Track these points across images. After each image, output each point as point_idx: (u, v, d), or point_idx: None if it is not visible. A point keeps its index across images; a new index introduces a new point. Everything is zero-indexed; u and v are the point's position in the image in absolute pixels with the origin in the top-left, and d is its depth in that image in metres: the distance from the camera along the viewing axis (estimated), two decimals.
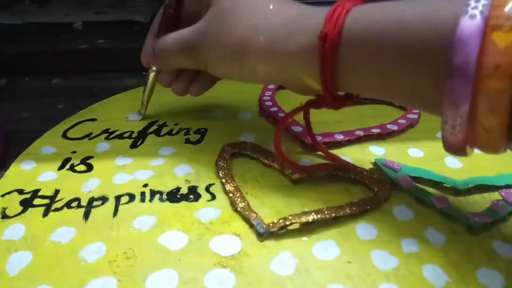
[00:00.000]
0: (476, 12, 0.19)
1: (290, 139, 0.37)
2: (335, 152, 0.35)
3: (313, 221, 0.27)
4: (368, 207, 0.29)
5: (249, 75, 0.30)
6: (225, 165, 0.33)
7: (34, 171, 0.33)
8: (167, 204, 0.30)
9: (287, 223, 0.27)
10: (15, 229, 0.27)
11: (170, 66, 0.35)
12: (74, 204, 0.29)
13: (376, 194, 0.30)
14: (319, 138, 0.35)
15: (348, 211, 0.28)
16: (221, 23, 0.28)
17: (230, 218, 0.29)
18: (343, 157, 0.34)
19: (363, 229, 0.28)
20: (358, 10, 0.25)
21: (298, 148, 0.36)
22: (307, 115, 0.32)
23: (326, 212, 0.28)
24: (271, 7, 0.28)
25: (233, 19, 0.28)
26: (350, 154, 0.35)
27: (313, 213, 0.27)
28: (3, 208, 0.29)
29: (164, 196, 0.30)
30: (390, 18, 0.23)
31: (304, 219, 0.27)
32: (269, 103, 0.41)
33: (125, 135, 0.37)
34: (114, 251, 0.26)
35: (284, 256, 0.26)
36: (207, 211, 0.29)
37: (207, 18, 0.29)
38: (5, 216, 0.28)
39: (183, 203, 0.30)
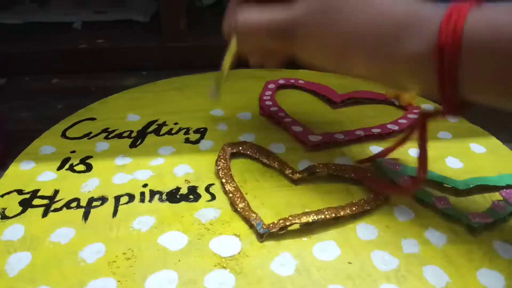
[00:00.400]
0: None
1: (290, 139, 0.37)
2: (335, 151, 0.35)
3: (313, 222, 0.27)
4: (368, 207, 0.29)
5: (345, 70, 0.28)
6: (225, 165, 0.33)
7: (34, 171, 0.33)
8: (167, 204, 0.30)
9: (287, 223, 0.27)
10: (14, 230, 0.27)
11: (253, 46, 0.32)
12: (74, 204, 0.29)
13: (376, 194, 0.30)
14: (319, 138, 0.35)
15: (348, 211, 0.28)
16: (326, 18, 0.27)
17: (230, 218, 0.29)
18: (342, 157, 0.34)
19: (363, 229, 0.28)
20: (478, 13, 0.22)
21: (298, 148, 0.36)
22: (424, 133, 0.28)
23: (326, 212, 0.27)
24: (382, 3, 0.25)
25: (341, 14, 0.26)
26: (350, 154, 0.35)
27: (313, 214, 0.27)
28: (3, 208, 0.29)
29: (164, 196, 0.30)
30: None
31: (304, 219, 0.27)
32: (269, 103, 0.41)
33: (125, 134, 0.37)
34: (114, 252, 0.26)
35: (284, 257, 0.26)
36: (207, 211, 0.29)
37: (309, 9, 0.27)
38: (5, 217, 0.28)
39: (183, 203, 0.30)
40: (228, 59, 0.35)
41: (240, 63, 0.51)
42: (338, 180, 0.32)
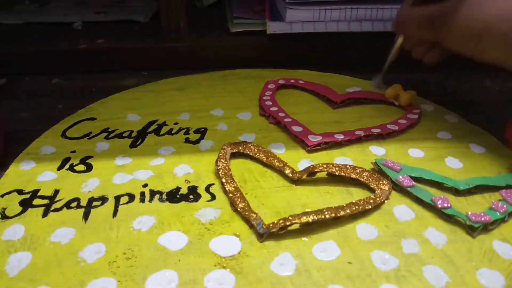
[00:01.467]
0: None
1: (290, 139, 0.37)
2: (335, 151, 0.35)
3: (313, 222, 0.27)
4: (368, 207, 0.29)
5: (482, 54, 0.32)
6: (225, 165, 0.33)
7: (34, 171, 0.33)
8: (167, 204, 0.30)
9: (287, 223, 0.27)
10: (14, 230, 0.27)
11: (409, 33, 0.39)
12: (74, 204, 0.29)
13: (376, 194, 0.30)
14: (319, 138, 0.35)
15: (348, 211, 0.28)
16: (464, 6, 0.31)
17: (230, 218, 0.29)
18: (342, 157, 0.34)
19: (363, 229, 0.28)
20: None
21: (298, 148, 0.36)
22: None
23: (326, 212, 0.27)
24: None
25: (478, 4, 0.30)
26: (350, 154, 0.35)
27: (313, 214, 0.27)
28: (3, 208, 0.29)
29: (164, 196, 0.30)
30: None
31: (304, 219, 0.27)
32: (269, 103, 0.41)
33: (125, 134, 0.37)
34: (114, 252, 0.26)
35: (284, 257, 0.26)
36: (207, 211, 0.29)
37: (457, 1, 0.32)
38: (5, 217, 0.28)
39: (183, 203, 0.30)
40: (394, 52, 0.41)
41: (240, 63, 0.51)
42: (338, 180, 0.32)
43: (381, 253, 0.26)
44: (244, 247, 0.26)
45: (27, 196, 0.30)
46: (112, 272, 0.24)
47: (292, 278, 0.24)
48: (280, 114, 0.39)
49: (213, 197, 0.30)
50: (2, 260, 0.25)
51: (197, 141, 0.37)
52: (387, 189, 0.30)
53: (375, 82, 0.44)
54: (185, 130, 0.38)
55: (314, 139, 0.35)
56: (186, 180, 0.32)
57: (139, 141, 0.36)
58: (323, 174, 0.32)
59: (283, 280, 0.24)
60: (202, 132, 0.38)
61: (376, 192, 0.30)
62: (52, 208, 0.29)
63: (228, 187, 0.30)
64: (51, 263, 0.25)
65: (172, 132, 0.38)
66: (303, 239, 0.27)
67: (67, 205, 0.29)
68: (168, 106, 0.42)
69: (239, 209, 0.29)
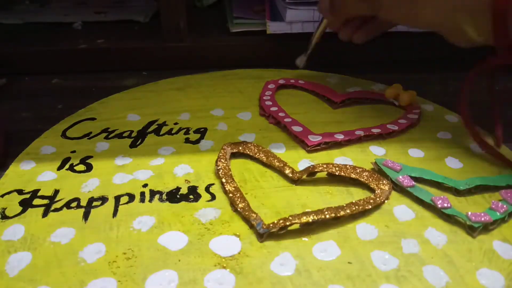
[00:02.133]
0: None
1: (290, 139, 0.37)
2: (335, 151, 0.35)
3: (313, 222, 0.27)
4: (368, 207, 0.29)
5: (416, 19, 0.33)
6: (225, 165, 0.33)
7: (34, 171, 0.33)
8: (167, 204, 0.30)
9: (287, 223, 0.27)
10: (14, 230, 0.27)
11: (346, 13, 0.39)
12: (74, 204, 0.29)
13: (376, 194, 0.30)
14: (319, 138, 0.35)
15: (348, 211, 0.28)
16: None
17: (230, 218, 0.29)
18: (342, 157, 0.34)
19: (363, 229, 0.28)
20: None
21: (298, 148, 0.36)
22: (491, 81, 0.34)
23: (326, 212, 0.27)
24: None
25: None
26: (350, 154, 0.35)
27: (313, 214, 0.27)
28: (3, 208, 0.29)
29: (164, 196, 0.30)
30: None
31: (304, 219, 0.27)
32: (269, 103, 0.41)
33: (125, 134, 0.37)
34: (114, 252, 0.26)
35: (284, 257, 0.26)
36: (207, 211, 0.29)
37: None
38: (5, 217, 0.28)
39: (183, 203, 0.30)
40: (318, 32, 0.42)
41: (240, 63, 0.51)
42: (338, 180, 0.32)
43: (381, 253, 0.26)
44: (244, 247, 0.26)
45: (27, 196, 0.30)
46: (112, 272, 0.24)
47: (292, 278, 0.24)
48: (280, 114, 0.39)
49: (213, 197, 0.30)
50: (2, 260, 0.25)
51: (197, 141, 0.37)
52: (387, 189, 0.30)
53: (299, 62, 0.45)
54: (185, 130, 0.38)
55: (314, 139, 0.35)
56: (186, 180, 0.32)
57: (139, 141, 0.36)
58: (323, 174, 0.32)
59: (283, 280, 0.24)
60: (202, 132, 0.38)
61: (376, 192, 0.30)
62: (52, 208, 0.29)
63: (228, 187, 0.30)
64: (51, 263, 0.25)
65: (172, 132, 0.38)
66: (303, 239, 0.27)
67: (67, 205, 0.29)
68: (168, 106, 0.42)
69: (239, 209, 0.29)
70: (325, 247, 0.26)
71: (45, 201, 0.30)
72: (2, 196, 0.30)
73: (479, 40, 0.30)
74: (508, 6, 0.26)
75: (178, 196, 0.30)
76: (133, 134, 0.37)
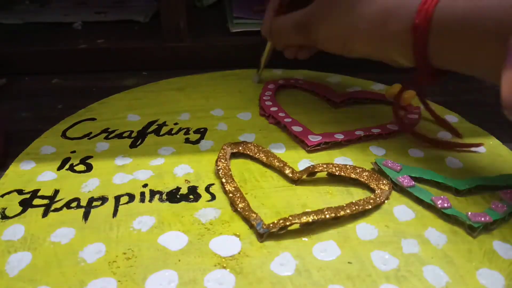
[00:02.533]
0: None
1: (290, 139, 0.37)
2: (335, 151, 0.35)
3: (313, 222, 0.27)
4: (368, 207, 0.29)
5: (349, 52, 0.35)
6: (225, 165, 0.33)
7: (34, 171, 0.33)
8: (167, 204, 0.30)
9: (287, 223, 0.27)
10: (14, 230, 0.27)
11: (284, 42, 0.41)
12: (74, 204, 0.29)
13: (376, 194, 0.30)
14: (319, 138, 0.35)
15: (348, 211, 0.28)
16: (330, 9, 0.34)
17: (230, 218, 0.29)
18: (342, 157, 0.34)
19: (363, 229, 0.28)
20: (447, 1, 0.28)
21: (298, 148, 0.36)
22: (423, 96, 0.38)
23: (326, 212, 0.27)
24: None
25: (341, 6, 0.33)
26: (350, 154, 0.35)
27: (313, 214, 0.27)
28: (3, 208, 0.29)
29: (164, 196, 0.30)
30: (471, 6, 0.27)
31: (304, 219, 0.27)
32: (269, 103, 0.41)
33: (125, 134, 0.37)
34: (114, 252, 0.26)
35: (284, 257, 0.26)
36: (207, 211, 0.29)
37: (319, 5, 0.35)
38: (5, 217, 0.28)
39: (183, 203, 0.30)
40: (266, 53, 0.44)
41: (240, 63, 0.51)
42: (338, 180, 0.32)
43: (381, 253, 0.26)
44: (244, 247, 0.26)
45: (27, 196, 0.30)
46: (112, 272, 0.24)
47: (292, 278, 0.24)
48: (280, 114, 0.39)
49: (213, 197, 0.30)
50: (2, 260, 0.25)
51: (197, 141, 0.37)
52: (387, 189, 0.30)
53: (254, 78, 0.46)
54: (185, 130, 0.38)
55: (314, 139, 0.35)
56: (186, 180, 0.32)
57: (139, 141, 0.36)
58: (323, 174, 0.32)
59: (283, 280, 0.24)
60: (202, 132, 0.38)
61: (376, 192, 0.30)
62: (52, 208, 0.29)
63: (228, 187, 0.30)
64: (51, 263, 0.25)
65: (172, 132, 0.38)
66: (303, 239, 0.27)
67: (67, 205, 0.29)
68: (168, 106, 0.42)
69: (239, 209, 0.29)
70: (325, 247, 0.26)
71: (45, 201, 0.30)
72: (2, 196, 0.30)
73: (410, 65, 0.33)
74: (424, 36, 0.29)
75: (178, 196, 0.30)
76: (133, 134, 0.37)
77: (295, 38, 0.39)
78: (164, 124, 0.39)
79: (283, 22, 0.39)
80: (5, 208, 0.29)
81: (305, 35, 0.37)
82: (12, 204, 0.29)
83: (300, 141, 0.36)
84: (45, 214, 0.29)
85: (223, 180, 0.31)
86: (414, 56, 0.31)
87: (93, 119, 0.40)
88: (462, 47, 0.28)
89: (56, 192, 0.31)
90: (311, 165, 0.32)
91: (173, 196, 0.30)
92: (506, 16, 0.25)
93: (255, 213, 0.28)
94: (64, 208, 0.29)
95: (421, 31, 0.29)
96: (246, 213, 0.28)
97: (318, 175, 0.32)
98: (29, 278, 0.24)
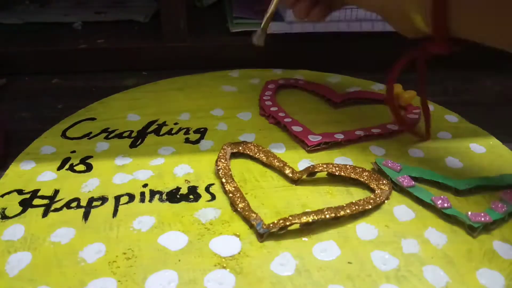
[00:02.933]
0: None
1: (290, 139, 0.37)
2: (335, 151, 0.35)
3: (313, 222, 0.27)
4: (368, 207, 0.29)
5: (366, 3, 0.32)
6: (225, 165, 0.33)
7: (34, 171, 0.33)
8: (167, 204, 0.30)
9: (287, 223, 0.27)
10: (14, 230, 0.27)
11: None
12: (74, 204, 0.29)
13: (376, 194, 0.30)
14: (319, 138, 0.35)
15: (348, 211, 0.28)
16: None
17: (230, 218, 0.29)
18: (342, 157, 0.34)
19: (363, 229, 0.28)
20: None
21: (298, 148, 0.36)
22: (422, 66, 0.33)
23: (326, 212, 0.27)
24: None
25: None
26: (350, 154, 0.35)
27: (313, 214, 0.27)
28: (3, 208, 0.29)
29: (164, 196, 0.30)
30: None
31: (304, 219, 0.27)
32: (269, 103, 0.41)
33: (125, 134, 0.37)
34: (114, 252, 0.26)
35: (284, 257, 0.26)
36: (207, 211, 0.29)
37: None
38: (5, 217, 0.28)
39: (183, 203, 0.30)
40: (274, 6, 0.38)
41: (240, 63, 0.51)
42: (338, 180, 0.32)
43: (381, 253, 0.26)
44: (244, 247, 0.26)
45: (27, 196, 0.30)
46: (112, 272, 0.24)
47: (292, 278, 0.24)
48: (280, 114, 0.39)
49: (213, 197, 0.30)
50: (2, 260, 0.25)
51: (197, 141, 0.37)
52: (387, 189, 0.30)
53: (256, 39, 0.39)
54: (185, 130, 0.38)
55: (314, 139, 0.35)
56: (186, 180, 0.32)
57: (139, 141, 0.36)
58: (323, 174, 0.32)
59: (283, 280, 0.24)
60: (202, 132, 0.38)
61: (376, 192, 0.30)
62: (52, 208, 0.29)
63: (228, 187, 0.30)
64: (51, 263, 0.25)
65: (172, 132, 0.38)
66: (303, 239, 0.27)
67: (67, 205, 0.29)
68: (168, 106, 0.42)
69: (239, 209, 0.29)
70: (325, 247, 0.26)
71: (45, 201, 0.30)
72: (2, 196, 0.30)
73: (426, 30, 0.28)
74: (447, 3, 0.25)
75: (178, 196, 0.30)
76: (133, 134, 0.37)
77: None
78: (164, 124, 0.39)
79: None
80: (5, 208, 0.29)
81: None
82: (12, 204, 0.29)
83: (300, 141, 0.36)
84: (45, 214, 0.29)
85: (223, 180, 0.31)
86: (433, 17, 0.26)
87: (93, 119, 0.40)
88: (496, 7, 0.23)
89: (56, 192, 0.31)
90: (311, 165, 0.32)
91: (173, 196, 0.30)
92: None
93: (255, 213, 0.28)
94: (64, 208, 0.29)
95: None
96: (246, 213, 0.28)
97: (318, 175, 0.32)
98: (29, 278, 0.24)
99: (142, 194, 0.30)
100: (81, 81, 0.48)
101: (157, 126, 0.39)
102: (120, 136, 0.37)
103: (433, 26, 0.27)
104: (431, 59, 0.31)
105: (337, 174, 0.31)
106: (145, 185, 0.31)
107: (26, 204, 0.29)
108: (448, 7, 0.25)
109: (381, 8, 0.31)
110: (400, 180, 0.31)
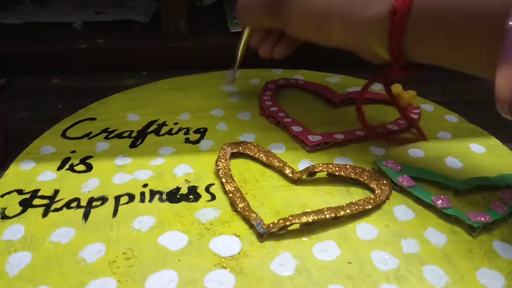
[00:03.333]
0: None
1: (290, 139, 0.37)
2: (335, 151, 0.35)
3: (313, 222, 0.27)
4: (368, 207, 0.29)
5: (325, 38, 0.32)
6: (225, 165, 0.33)
7: (34, 171, 0.33)
8: (167, 204, 0.30)
9: (287, 223, 0.27)
10: (14, 230, 0.27)
11: (251, 23, 0.37)
12: (74, 204, 0.29)
13: (376, 194, 0.30)
14: (319, 138, 0.35)
15: (348, 211, 0.28)
16: None
17: (230, 218, 0.29)
18: (342, 157, 0.34)
19: (363, 229, 0.28)
20: None
21: (298, 148, 0.36)
22: (388, 88, 0.36)
23: (326, 212, 0.27)
24: None
25: None
26: (350, 154, 0.35)
27: (313, 214, 0.27)
28: (3, 208, 0.29)
29: (164, 196, 0.30)
30: None
31: (304, 219, 0.27)
32: (269, 103, 0.41)
33: (125, 134, 0.37)
34: (114, 252, 0.26)
35: (284, 257, 0.26)
36: (207, 211, 0.29)
37: None
38: (5, 217, 0.28)
39: (183, 203, 0.30)
40: (241, 47, 0.40)
41: (243, 63, 0.51)
42: (338, 180, 0.32)
43: (381, 253, 0.26)
44: (244, 247, 0.26)
45: (27, 196, 0.30)
46: (112, 272, 0.24)
47: (292, 278, 0.24)
48: (280, 114, 0.39)
49: (213, 197, 0.30)
50: (2, 259, 0.25)
51: (197, 141, 0.37)
52: (387, 189, 0.30)
53: (228, 79, 0.43)
54: (185, 130, 0.38)
55: (314, 139, 0.35)
56: (186, 180, 0.32)
57: (139, 141, 0.36)
58: (323, 174, 0.32)
59: (283, 280, 0.24)
60: (202, 132, 0.38)
61: (376, 192, 0.30)
62: (52, 208, 0.29)
63: (228, 187, 0.30)
64: (51, 263, 0.25)
65: (172, 132, 0.38)
66: (303, 239, 0.27)
67: (67, 205, 0.29)
68: (168, 106, 0.42)
69: (239, 209, 0.29)
70: (325, 247, 0.26)
71: (45, 201, 0.30)
72: (2, 196, 0.30)
73: (386, 57, 0.30)
74: (403, 21, 0.27)
75: (178, 196, 0.30)
76: (133, 134, 0.37)
77: (264, 20, 0.35)
78: (164, 124, 0.39)
79: (254, 2, 0.34)
80: (5, 208, 0.29)
81: (275, 16, 0.33)
82: (12, 204, 0.29)
83: (300, 141, 0.36)
84: (45, 214, 0.29)
85: (223, 180, 0.31)
86: (389, 44, 0.28)
87: (93, 119, 0.40)
88: (445, 36, 0.26)
89: (56, 192, 0.31)
90: (311, 165, 0.32)
91: (173, 196, 0.30)
92: (499, 1, 0.23)
93: (255, 213, 0.28)
94: (64, 208, 0.29)
95: (400, 15, 0.27)
96: (246, 213, 0.28)
97: (318, 175, 0.32)
98: (29, 278, 0.24)
99: (142, 194, 0.30)
100: (81, 81, 0.48)
101: (157, 126, 0.39)
102: (120, 136, 0.37)
103: (390, 56, 0.29)
104: (394, 82, 0.34)
105: (337, 174, 0.31)
106: (145, 185, 0.31)
107: (26, 204, 0.29)
108: (403, 39, 0.28)
109: (346, 44, 0.32)
110: (400, 180, 0.31)
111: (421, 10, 0.26)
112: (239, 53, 0.40)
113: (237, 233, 0.27)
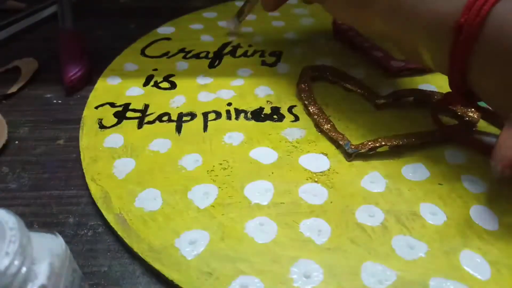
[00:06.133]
0: None
1: (369, 65, 0.36)
2: (418, 79, 0.34)
3: (403, 144, 0.27)
4: (458, 134, 0.28)
5: (364, 25, 0.29)
6: (306, 87, 0.32)
7: (121, 86, 0.34)
8: (253, 122, 0.30)
9: (377, 144, 0.27)
10: (115, 138, 0.29)
11: None
12: (165, 118, 0.31)
13: (464, 121, 0.29)
14: (401, 64, 0.34)
15: (437, 137, 0.28)
16: None
17: (316, 138, 0.29)
18: (426, 84, 0.33)
19: (452, 154, 0.28)
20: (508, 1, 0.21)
21: (378, 74, 0.35)
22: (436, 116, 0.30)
23: (414, 137, 0.27)
24: None
25: None
26: (434, 82, 0.34)
27: (403, 137, 0.27)
28: (99, 119, 0.31)
29: (249, 115, 0.31)
30: None
31: (394, 142, 0.27)
32: (345, 27, 0.39)
33: (202, 55, 0.37)
34: (210, 162, 0.27)
35: (373, 175, 0.26)
36: (292, 131, 0.30)
37: None
38: (103, 127, 0.30)
39: (268, 122, 0.30)
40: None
41: None
42: (422, 107, 0.31)
43: (471, 177, 0.26)
44: (333, 165, 0.27)
45: (120, 109, 0.32)
46: (212, 180, 0.26)
47: (383, 194, 0.25)
48: (358, 38, 0.38)
49: (296, 118, 0.31)
50: (109, 164, 0.27)
51: (273, 64, 0.36)
52: (475, 117, 0.30)
53: (231, 31, 0.40)
54: (260, 52, 0.38)
55: (396, 64, 0.34)
56: (268, 101, 0.32)
57: (217, 62, 0.37)
58: (407, 100, 0.31)
59: (375, 196, 0.25)
60: (277, 55, 0.37)
61: (464, 119, 0.30)
62: (146, 120, 0.31)
63: (311, 109, 0.31)
64: (154, 169, 0.27)
65: (248, 54, 0.38)
66: (391, 160, 0.27)
67: (159, 118, 0.31)
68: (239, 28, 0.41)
69: (325, 130, 0.29)
70: (414, 169, 0.27)
71: (138, 114, 0.31)
72: (96, 107, 0.32)
73: (435, 70, 0.26)
74: (470, 42, 0.21)
75: (262, 116, 0.31)
76: (210, 55, 0.37)
77: None
78: (238, 46, 0.39)
79: None
80: (102, 119, 0.31)
81: None
82: (107, 115, 0.31)
83: (381, 66, 0.35)
84: (139, 126, 0.30)
85: (306, 102, 0.31)
86: (449, 69, 0.23)
87: (169, 38, 0.40)
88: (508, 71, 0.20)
89: (146, 106, 0.32)
90: (397, 90, 0.31)
91: (258, 115, 0.31)
92: None
93: (342, 134, 0.28)
94: (157, 121, 0.30)
95: (466, 34, 0.21)
96: (333, 134, 0.29)
97: (402, 101, 0.31)
98: (136, 181, 0.26)
99: (228, 112, 0.31)
100: (149, 1, 0.48)
101: (231, 48, 0.38)
102: (197, 56, 0.37)
103: (450, 77, 0.24)
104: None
105: (423, 100, 0.31)
106: (229, 104, 0.32)
107: (120, 116, 0.31)
108: (468, 61, 0.22)
109: (390, 39, 0.27)
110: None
111: (492, 35, 0.21)
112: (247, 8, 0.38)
113: (325, 152, 0.28)
